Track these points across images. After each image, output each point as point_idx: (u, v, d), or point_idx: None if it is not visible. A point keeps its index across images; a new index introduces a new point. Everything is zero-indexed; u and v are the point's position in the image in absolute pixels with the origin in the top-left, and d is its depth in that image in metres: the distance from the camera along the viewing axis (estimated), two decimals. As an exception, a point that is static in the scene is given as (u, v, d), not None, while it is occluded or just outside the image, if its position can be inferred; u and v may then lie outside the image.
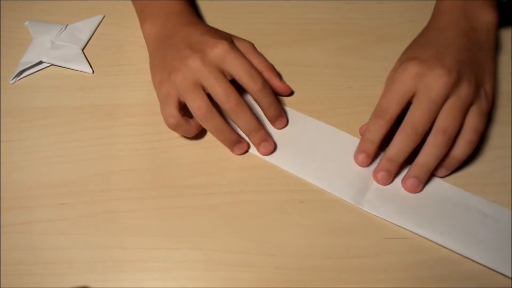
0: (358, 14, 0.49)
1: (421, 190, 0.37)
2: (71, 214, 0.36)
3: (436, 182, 0.38)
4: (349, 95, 0.43)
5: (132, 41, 0.46)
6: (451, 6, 0.41)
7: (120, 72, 0.44)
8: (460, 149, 0.36)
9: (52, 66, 0.45)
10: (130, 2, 0.49)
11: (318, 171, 0.38)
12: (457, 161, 0.37)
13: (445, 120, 0.35)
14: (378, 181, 0.37)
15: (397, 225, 0.36)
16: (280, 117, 0.40)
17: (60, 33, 0.46)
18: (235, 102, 0.37)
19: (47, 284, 0.34)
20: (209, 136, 0.40)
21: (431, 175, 0.37)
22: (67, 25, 0.47)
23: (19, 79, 0.44)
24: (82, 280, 0.34)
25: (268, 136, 0.39)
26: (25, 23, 0.47)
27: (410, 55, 0.38)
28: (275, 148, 0.39)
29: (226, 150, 0.39)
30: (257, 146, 0.39)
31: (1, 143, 0.40)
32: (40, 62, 0.44)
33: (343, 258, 0.35)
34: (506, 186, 0.38)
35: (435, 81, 0.35)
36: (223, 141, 0.39)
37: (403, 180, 0.37)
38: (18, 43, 0.46)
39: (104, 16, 0.48)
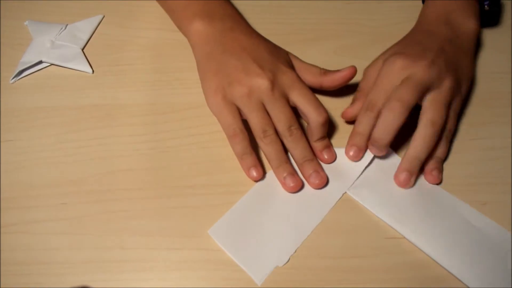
0: (358, 14, 0.49)
1: (413, 184, 0.37)
2: (71, 214, 0.36)
3: (426, 183, 0.38)
4: (349, 95, 0.43)
5: (132, 41, 0.46)
6: (436, 15, 0.43)
7: (120, 72, 0.44)
8: (443, 148, 0.38)
9: (52, 66, 0.45)
10: (130, 2, 0.49)
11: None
12: (442, 161, 0.38)
13: (432, 112, 0.36)
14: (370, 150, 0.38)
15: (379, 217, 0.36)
16: (328, 148, 0.39)
17: (60, 33, 0.46)
18: (297, 130, 0.37)
19: (47, 284, 0.34)
20: (208, 136, 0.40)
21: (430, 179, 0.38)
22: (67, 25, 0.47)
23: (19, 79, 0.44)
24: (82, 280, 0.34)
25: (321, 168, 0.38)
26: (25, 23, 0.47)
27: (395, 51, 0.40)
28: (327, 182, 0.38)
29: (226, 150, 0.39)
30: (309, 177, 0.37)
31: (1, 143, 0.40)
32: (40, 62, 0.44)
33: (343, 258, 0.35)
34: (505, 186, 0.38)
35: (418, 71, 0.36)
36: (277, 165, 0.37)
37: (396, 175, 0.37)
38: (18, 43, 0.46)
39: (104, 16, 0.48)
